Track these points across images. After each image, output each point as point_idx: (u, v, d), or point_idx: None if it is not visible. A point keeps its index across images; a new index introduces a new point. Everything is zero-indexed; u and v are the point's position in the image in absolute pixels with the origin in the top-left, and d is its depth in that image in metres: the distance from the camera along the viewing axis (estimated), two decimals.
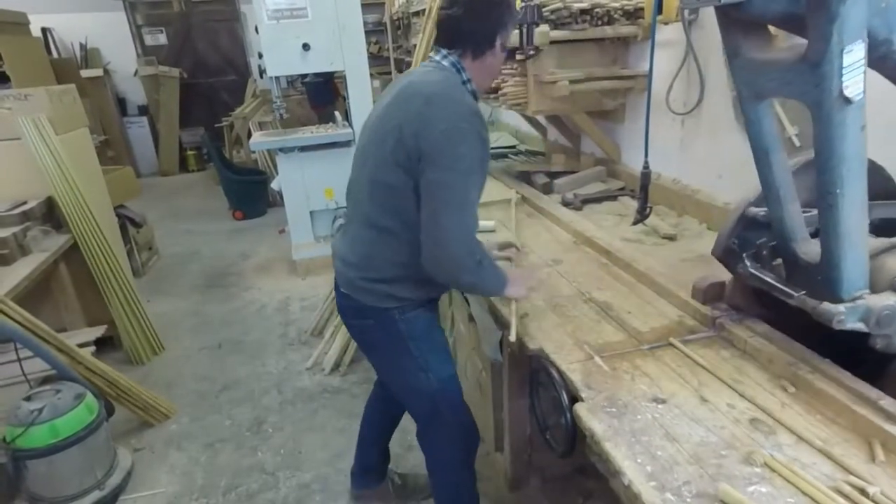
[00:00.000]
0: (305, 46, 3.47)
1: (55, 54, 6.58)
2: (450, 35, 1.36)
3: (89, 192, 2.82)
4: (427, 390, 1.51)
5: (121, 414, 2.38)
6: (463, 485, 1.66)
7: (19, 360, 2.14)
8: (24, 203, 2.61)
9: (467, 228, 1.30)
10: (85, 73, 6.41)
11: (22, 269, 2.28)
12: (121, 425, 2.41)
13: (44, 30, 6.42)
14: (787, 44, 0.92)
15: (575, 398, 1.19)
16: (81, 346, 2.35)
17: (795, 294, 1.05)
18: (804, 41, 0.85)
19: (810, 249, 1.08)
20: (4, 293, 2.03)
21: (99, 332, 2.76)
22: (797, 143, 1.67)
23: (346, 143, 3.80)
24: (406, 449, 2.24)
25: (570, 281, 1.71)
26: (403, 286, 1.43)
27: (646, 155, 1.90)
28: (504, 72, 2.54)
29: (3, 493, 1.98)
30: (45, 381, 2.22)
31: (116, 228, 3.47)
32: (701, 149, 2.14)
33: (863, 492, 0.86)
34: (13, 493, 1.97)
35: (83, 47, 6.79)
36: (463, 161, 1.25)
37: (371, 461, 1.96)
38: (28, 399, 1.92)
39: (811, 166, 0.99)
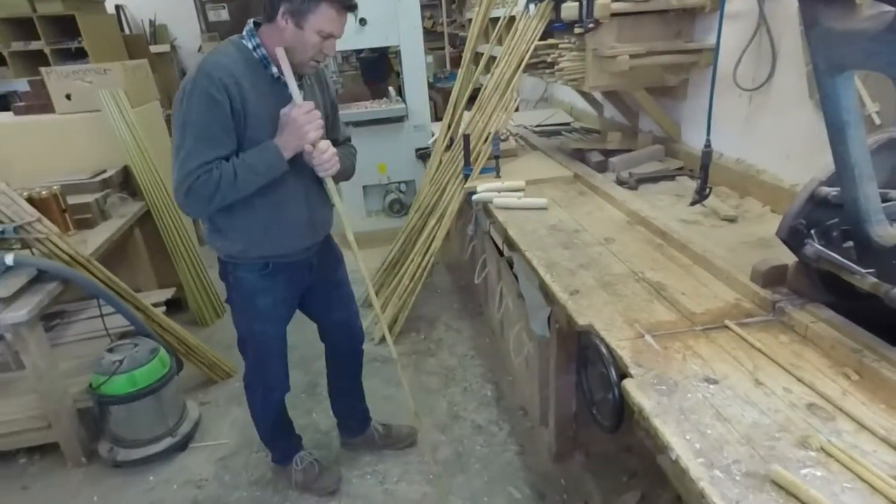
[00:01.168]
0: (362, 21, 3.50)
1: (126, 31, 6.90)
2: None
3: (160, 163, 3.00)
4: (237, 330, 1.79)
5: (188, 370, 2.56)
6: (261, 415, 1.93)
7: (102, 315, 2.35)
8: (104, 172, 2.80)
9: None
10: (154, 48, 6.69)
11: (103, 233, 2.47)
12: (188, 381, 2.59)
13: (117, 7, 6.74)
14: (873, 12, 0.87)
15: (623, 375, 1.20)
16: (153, 306, 2.53)
17: (867, 274, 1.01)
18: (892, 9, 0.80)
19: (886, 232, 1.03)
20: (89, 254, 2.21)
21: (168, 293, 2.96)
22: (878, 122, 1.57)
23: (399, 119, 3.84)
24: (452, 418, 2.31)
25: (623, 260, 1.69)
26: (226, 240, 1.60)
27: (708, 133, 1.84)
28: (561, 46, 2.50)
29: (92, 433, 2.19)
30: (123, 336, 2.42)
31: None
32: (769, 127, 2.04)
33: None
34: (99, 433, 2.18)
35: (152, 24, 7.10)
36: (179, 117, 1.42)
37: (344, 410, 2.15)
38: (110, 351, 2.10)
39: (892, 145, 0.94)
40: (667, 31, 2.36)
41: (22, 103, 2.97)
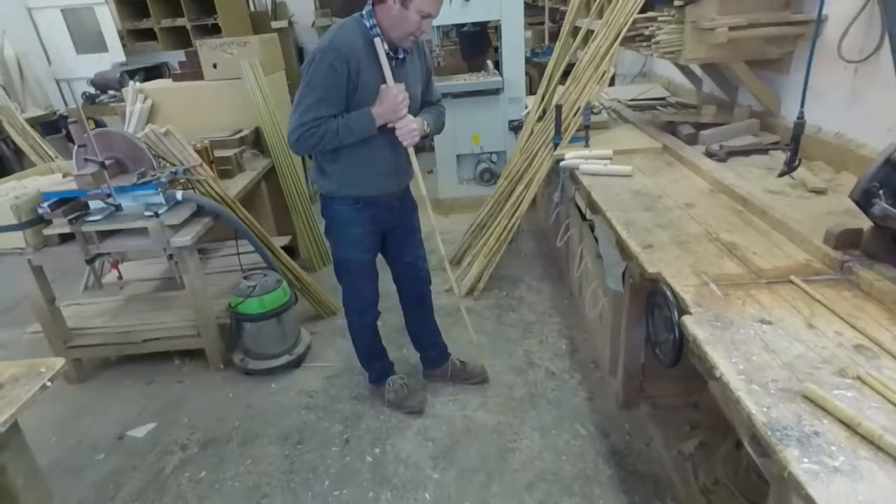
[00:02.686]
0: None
1: (252, 8, 7.60)
2: None
3: (284, 126, 3.42)
4: (333, 258, 2.14)
5: (301, 305, 2.98)
6: (357, 335, 2.30)
7: (238, 253, 2.82)
8: (241, 131, 3.27)
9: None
10: (274, 24, 7.32)
11: (240, 182, 2.93)
12: (302, 314, 3.01)
13: None
14: None
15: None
16: None
17: None
18: None
19: None
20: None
21: (285, 240, 3.43)
22: None
23: (495, 91, 4.01)
24: (528, 364, 2.53)
25: (700, 223, 1.80)
26: (328, 180, 1.96)
27: (802, 104, 1.87)
28: (660, 19, 2.54)
29: (228, 344, 2.67)
30: (250, 271, 2.88)
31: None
32: (873, 100, 2.00)
33: None
34: (234, 345, 2.66)
35: (274, 1, 7.75)
36: (306, 77, 1.74)
37: (420, 344, 2.46)
38: (246, 278, 2.54)
39: None
40: (773, 1, 2.34)
41: (178, 71, 3.52)
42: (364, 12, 1.79)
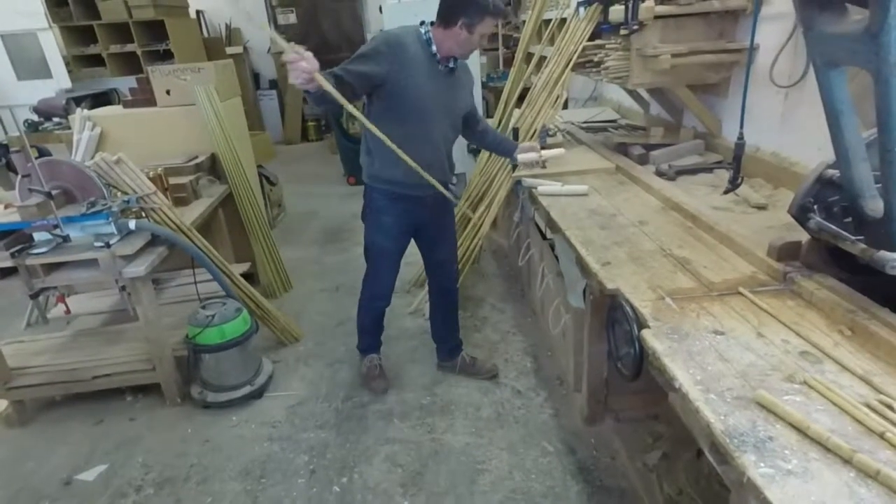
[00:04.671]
0: (422, 24, 3.77)
1: (206, 34, 7.52)
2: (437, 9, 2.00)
3: (241, 152, 3.38)
4: (365, 240, 2.35)
5: (262, 333, 2.90)
6: (362, 312, 2.55)
7: (195, 282, 2.73)
8: (196, 157, 3.20)
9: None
10: (229, 50, 7.27)
11: (196, 209, 2.85)
12: (262, 343, 2.94)
13: (198, 12, 7.36)
14: (857, 17, 1.04)
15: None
16: None
17: (855, 240, 1.17)
18: (867, 13, 0.98)
19: (877, 206, 1.19)
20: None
21: (244, 267, 3.35)
22: None
23: None
24: (494, 384, 2.54)
25: (653, 239, 1.88)
26: (371, 163, 2.17)
27: (741, 126, 1.99)
28: (607, 46, 2.68)
29: (185, 377, 2.57)
30: (207, 300, 2.79)
31: (258, 184, 4.07)
32: (803, 121, 2.16)
33: (890, 408, 1.00)
34: (192, 378, 2.55)
35: (228, 27, 7.69)
36: (364, 45, 1.98)
37: (438, 336, 2.64)
38: (203, 307, 2.46)
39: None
40: (710, 31, 2.51)
41: (129, 97, 3.42)
42: (420, 25, 2.02)
